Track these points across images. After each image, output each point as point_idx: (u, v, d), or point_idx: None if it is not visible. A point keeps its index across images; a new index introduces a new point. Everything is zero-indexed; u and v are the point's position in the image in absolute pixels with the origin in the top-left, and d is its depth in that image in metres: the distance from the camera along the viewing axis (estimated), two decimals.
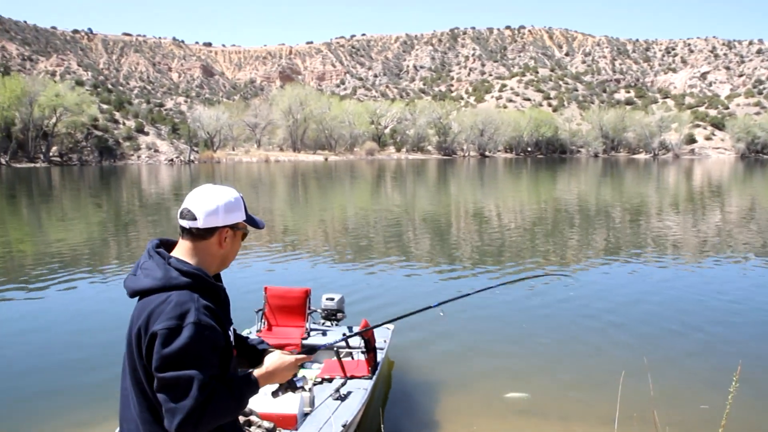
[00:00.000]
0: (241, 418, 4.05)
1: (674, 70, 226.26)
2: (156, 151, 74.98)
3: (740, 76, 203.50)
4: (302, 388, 2.18)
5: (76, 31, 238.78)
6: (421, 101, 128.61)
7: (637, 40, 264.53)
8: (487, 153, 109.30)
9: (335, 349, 5.46)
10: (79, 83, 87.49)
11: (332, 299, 6.75)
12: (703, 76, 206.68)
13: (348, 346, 5.89)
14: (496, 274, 11.57)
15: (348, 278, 11.20)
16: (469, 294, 2.87)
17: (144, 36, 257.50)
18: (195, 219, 1.97)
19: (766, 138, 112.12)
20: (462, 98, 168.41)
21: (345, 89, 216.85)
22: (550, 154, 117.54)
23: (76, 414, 5.62)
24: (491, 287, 3.23)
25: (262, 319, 6.53)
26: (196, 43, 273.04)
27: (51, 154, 67.73)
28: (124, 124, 76.96)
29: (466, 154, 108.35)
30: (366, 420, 5.21)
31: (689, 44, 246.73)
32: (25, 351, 7.39)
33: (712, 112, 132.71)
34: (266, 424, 4.25)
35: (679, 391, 5.98)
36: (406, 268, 12.16)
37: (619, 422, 4.61)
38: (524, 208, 25.24)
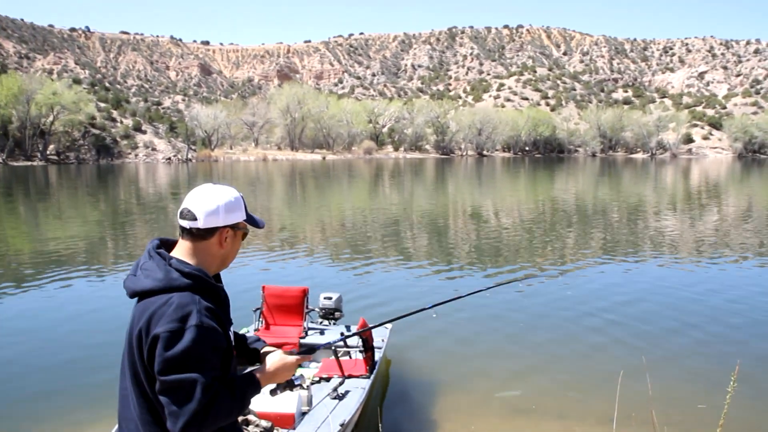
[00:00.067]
0: (239, 417, 4.04)
1: (672, 70, 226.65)
2: (153, 149, 74.87)
3: (738, 75, 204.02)
4: (300, 386, 2.18)
5: (73, 30, 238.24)
6: (419, 100, 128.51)
7: (635, 40, 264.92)
8: (484, 152, 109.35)
9: (333, 348, 5.45)
10: (77, 81, 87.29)
11: (330, 298, 6.74)
12: (701, 75, 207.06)
13: (346, 346, 5.88)
14: (494, 274, 11.56)
15: (346, 277, 11.19)
16: (462, 296, 2.84)
17: (142, 34, 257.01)
18: (195, 219, 1.96)
19: (763, 137, 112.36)
20: (460, 97, 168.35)
21: (343, 88, 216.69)
22: (547, 153, 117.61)
23: (74, 414, 5.60)
24: (482, 290, 3.03)
25: (259, 318, 6.52)
26: (194, 41, 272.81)
27: (48, 152, 67.56)
28: (121, 122, 76.82)
29: (464, 154, 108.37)
30: (364, 419, 5.20)
31: (687, 44, 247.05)
32: (23, 351, 7.37)
33: (710, 112, 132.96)
34: (264, 423, 4.24)
35: (678, 390, 5.97)
36: (403, 267, 12.15)
37: (618, 422, 4.61)
38: (522, 208, 25.25)
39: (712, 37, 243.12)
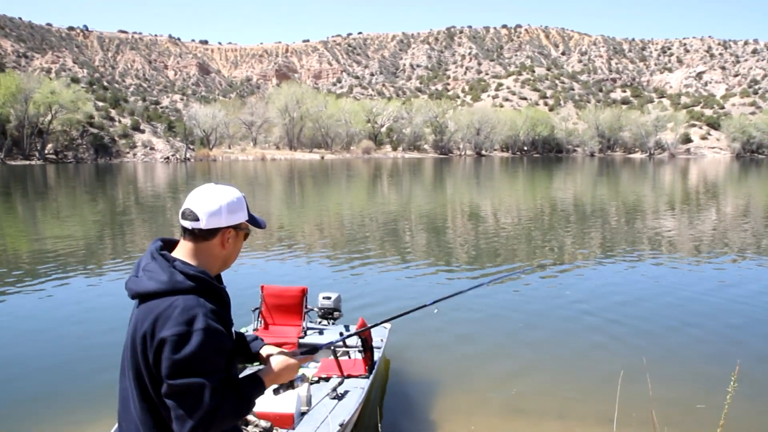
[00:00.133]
0: None
1: (670, 70, 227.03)
2: (152, 149, 74.80)
3: (736, 75, 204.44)
4: (301, 385, 2.18)
5: (71, 28, 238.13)
6: (418, 100, 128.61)
7: (633, 40, 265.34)
8: (483, 152, 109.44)
9: (332, 348, 5.43)
10: (75, 80, 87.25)
11: (329, 298, 6.73)
12: (699, 75, 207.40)
13: (345, 345, 5.86)
14: (493, 273, 11.55)
15: (344, 277, 11.17)
16: (463, 291, 2.86)
17: (140, 33, 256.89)
18: (197, 220, 1.93)
19: (761, 138, 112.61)
20: (458, 97, 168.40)
21: (341, 88, 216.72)
22: (546, 153, 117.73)
23: (74, 414, 5.58)
24: (483, 284, 3.19)
25: (258, 317, 6.50)
26: (193, 40, 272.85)
27: (46, 151, 67.48)
28: (119, 121, 76.75)
29: (463, 153, 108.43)
30: (363, 419, 5.18)
31: (685, 44, 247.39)
32: (23, 350, 7.35)
33: (708, 112, 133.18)
34: (263, 423, 4.23)
35: (678, 391, 5.96)
36: (402, 266, 12.14)
37: (618, 422, 4.60)
38: (520, 207, 25.26)
39: (710, 37, 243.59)
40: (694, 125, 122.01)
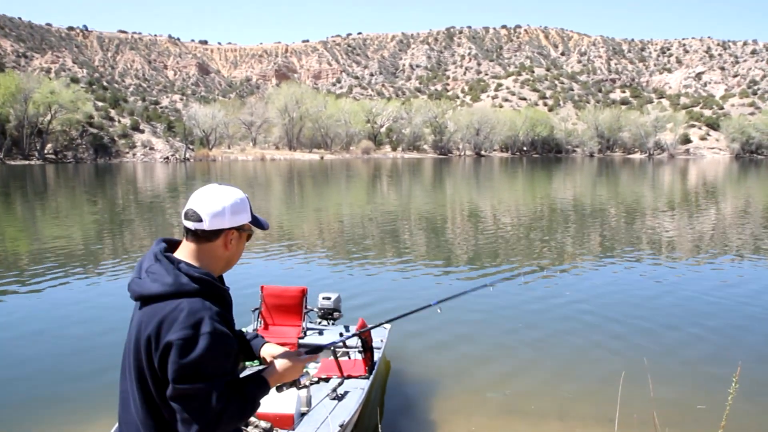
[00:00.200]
0: None
1: (669, 70, 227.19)
2: (151, 149, 74.79)
3: (735, 76, 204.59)
4: (304, 385, 2.19)
5: (71, 28, 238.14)
6: (417, 100, 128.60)
7: (633, 40, 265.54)
8: (482, 152, 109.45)
9: (332, 348, 5.42)
10: (74, 80, 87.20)
11: (329, 298, 6.72)
12: (698, 76, 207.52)
13: (345, 346, 5.85)
14: (493, 273, 11.54)
15: (344, 277, 11.16)
16: (466, 292, 2.86)
17: (140, 33, 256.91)
18: (200, 221, 1.92)
19: (760, 138, 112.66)
20: (458, 97, 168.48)
21: (341, 88, 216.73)
22: (545, 153, 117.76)
23: (74, 414, 5.57)
24: (486, 285, 3.19)
25: (258, 318, 6.48)
26: (192, 40, 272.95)
27: (46, 151, 67.45)
28: (119, 121, 76.72)
29: (462, 153, 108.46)
30: (363, 420, 5.17)
31: (684, 44, 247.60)
32: (22, 351, 7.32)
33: (707, 113, 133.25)
34: (263, 423, 4.21)
35: (679, 391, 5.96)
36: (402, 266, 12.13)
37: (619, 423, 4.59)
38: (519, 208, 25.25)
39: (709, 37, 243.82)
40: (693, 126, 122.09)
